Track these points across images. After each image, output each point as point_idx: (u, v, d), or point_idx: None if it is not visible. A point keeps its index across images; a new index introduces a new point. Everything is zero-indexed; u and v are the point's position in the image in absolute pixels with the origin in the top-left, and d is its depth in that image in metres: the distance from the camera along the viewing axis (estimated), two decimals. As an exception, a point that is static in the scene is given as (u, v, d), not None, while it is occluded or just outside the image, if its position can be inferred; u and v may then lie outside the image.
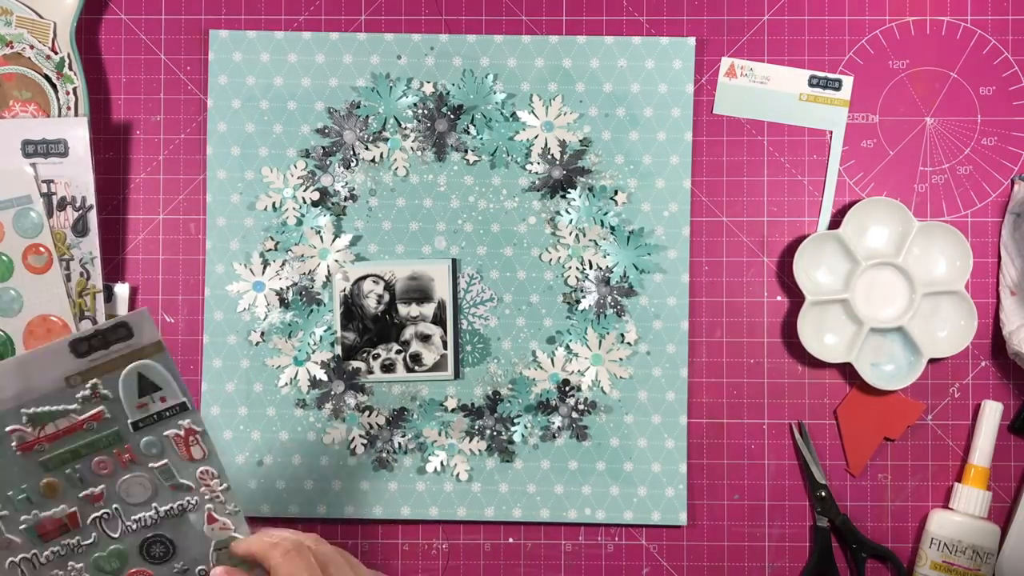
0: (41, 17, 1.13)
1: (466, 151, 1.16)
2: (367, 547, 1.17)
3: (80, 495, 1.00)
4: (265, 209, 1.17)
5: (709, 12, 1.18)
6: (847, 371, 1.17)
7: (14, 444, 0.97)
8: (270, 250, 1.16)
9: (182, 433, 1.01)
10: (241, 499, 1.14)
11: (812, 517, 1.17)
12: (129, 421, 1.00)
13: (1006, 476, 1.17)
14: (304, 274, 1.16)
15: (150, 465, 1.01)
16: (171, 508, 1.02)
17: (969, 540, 1.13)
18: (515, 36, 1.16)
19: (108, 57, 1.18)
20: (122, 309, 1.16)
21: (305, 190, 1.16)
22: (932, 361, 1.15)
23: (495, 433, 1.16)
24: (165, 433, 1.00)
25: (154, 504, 1.02)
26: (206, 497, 1.02)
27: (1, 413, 0.94)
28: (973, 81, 1.17)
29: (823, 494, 1.16)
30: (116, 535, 1.02)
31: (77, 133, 1.13)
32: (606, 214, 1.16)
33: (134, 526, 1.02)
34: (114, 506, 1.01)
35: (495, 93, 1.16)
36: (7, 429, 0.95)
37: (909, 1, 1.18)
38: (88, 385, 0.98)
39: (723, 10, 1.18)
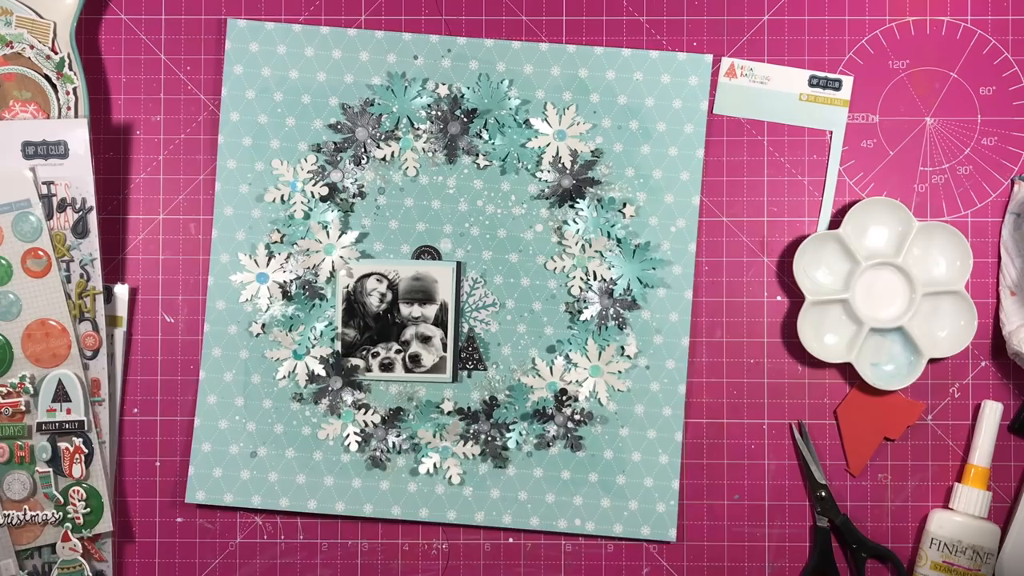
0: (41, 17, 1.14)
1: (477, 155, 1.16)
2: (366, 546, 1.17)
3: None
4: (273, 201, 1.17)
5: (709, 12, 1.17)
6: (847, 371, 1.17)
7: None
8: (276, 242, 1.17)
9: (71, 448, 1.12)
10: (233, 489, 1.16)
11: (812, 517, 1.16)
12: (36, 420, 1.12)
13: (1006, 476, 1.17)
14: (308, 268, 1.16)
15: (36, 468, 1.12)
16: (36, 515, 1.13)
17: (969, 540, 1.13)
18: (533, 43, 1.16)
19: (108, 57, 1.18)
20: (122, 310, 1.16)
21: (314, 184, 1.16)
22: (932, 361, 1.15)
23: (490, 438, 1.16)
24: (59, 443, 1.12)
25: (25, 507, 1.12)
26: (69, 515, 1.13)
27: None
28: (973, 81, 1.17)
29: (823, 494, 1.16)
30: None
31: (77, 134, 1.13)
32: (613, 226, 1.15)
33: (1, 520, 1.13)
34: None
35: (509, 99, 1.16)
36: None
37: (909, 1, 1.18)
38: (19, 376, 1.11)
39: (723, 10, 1.18)
